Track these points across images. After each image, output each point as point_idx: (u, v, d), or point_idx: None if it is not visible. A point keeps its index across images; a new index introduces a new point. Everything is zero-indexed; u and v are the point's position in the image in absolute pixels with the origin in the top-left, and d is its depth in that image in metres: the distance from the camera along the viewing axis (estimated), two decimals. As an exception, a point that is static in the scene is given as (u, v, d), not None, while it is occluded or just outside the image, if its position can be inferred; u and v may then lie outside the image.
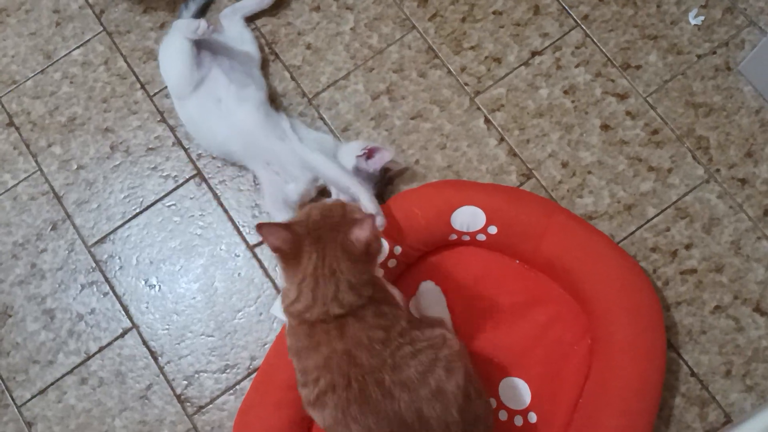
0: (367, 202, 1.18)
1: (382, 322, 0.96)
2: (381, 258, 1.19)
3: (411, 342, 0.97)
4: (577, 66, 1.38)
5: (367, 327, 0.95)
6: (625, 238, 1.29)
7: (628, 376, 1.13)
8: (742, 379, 1.21)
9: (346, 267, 0.94)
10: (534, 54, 1.39)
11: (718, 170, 1.30)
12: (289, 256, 0.96)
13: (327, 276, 0.94)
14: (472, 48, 1.40)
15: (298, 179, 1.26)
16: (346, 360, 0.93)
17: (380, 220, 1.17)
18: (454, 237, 1.25)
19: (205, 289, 1.33)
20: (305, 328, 0.97)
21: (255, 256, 1.34)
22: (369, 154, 1.26)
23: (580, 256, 1.20)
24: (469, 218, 1.22)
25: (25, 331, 1.33)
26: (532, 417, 1.18)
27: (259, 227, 0.93)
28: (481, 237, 1.24)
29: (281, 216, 1.25)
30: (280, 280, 1.31)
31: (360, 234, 0.94)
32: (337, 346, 0.94)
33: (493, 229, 1.22)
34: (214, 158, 1.39)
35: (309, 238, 0.95)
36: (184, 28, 1.25)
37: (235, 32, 1.40)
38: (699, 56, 1.36)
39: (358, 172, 1.24)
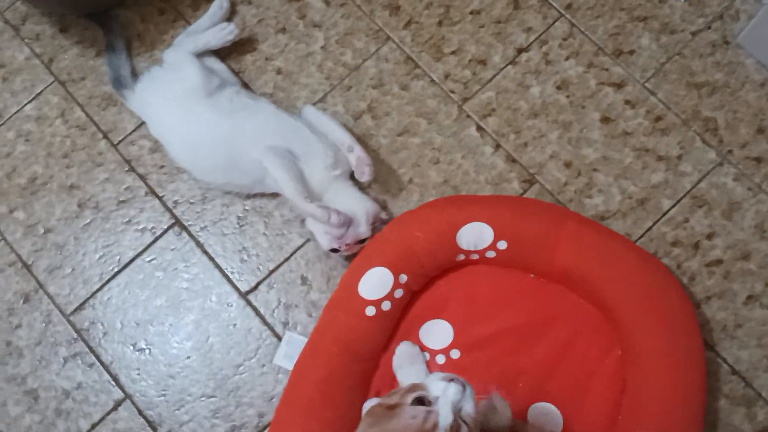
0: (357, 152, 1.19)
1: None
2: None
3: None
4: (567, 59, 1.30)
5: None
6: (642, 236, 1.21)
7: (668, 385, 1.06)
8: (786, 371, 1.14)
9: None
10: (520, 51, 1.31)
11: (730, 151, 1.23)
12: None
13: None
14: (453, 53, 1.32)
15: (318, 154, 1.19)
16: None
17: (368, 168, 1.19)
18: (462, 257, 1.16)
19: (200, 347, 1.23)
20: None
21: (249, 303, 1.24)
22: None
23: (597, 262, 1.12)
24: (475, 236, 1.14)
25: (8, 417, 1.21)
26: (570, 443, 1.09)
27: None
28: (491, 254, 1.15)
29: (301, 199, 1.15)
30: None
31: None
32: None
33: (502, 244, 1.14)
34: (192, 204, 1.29)
35: None
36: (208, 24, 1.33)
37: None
38: (693, 33, 1.29)
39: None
